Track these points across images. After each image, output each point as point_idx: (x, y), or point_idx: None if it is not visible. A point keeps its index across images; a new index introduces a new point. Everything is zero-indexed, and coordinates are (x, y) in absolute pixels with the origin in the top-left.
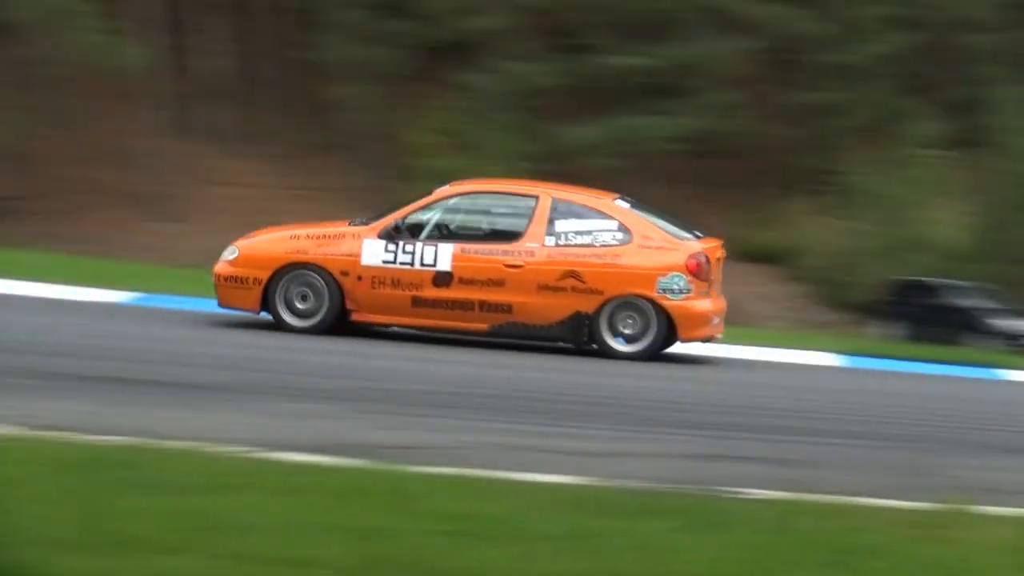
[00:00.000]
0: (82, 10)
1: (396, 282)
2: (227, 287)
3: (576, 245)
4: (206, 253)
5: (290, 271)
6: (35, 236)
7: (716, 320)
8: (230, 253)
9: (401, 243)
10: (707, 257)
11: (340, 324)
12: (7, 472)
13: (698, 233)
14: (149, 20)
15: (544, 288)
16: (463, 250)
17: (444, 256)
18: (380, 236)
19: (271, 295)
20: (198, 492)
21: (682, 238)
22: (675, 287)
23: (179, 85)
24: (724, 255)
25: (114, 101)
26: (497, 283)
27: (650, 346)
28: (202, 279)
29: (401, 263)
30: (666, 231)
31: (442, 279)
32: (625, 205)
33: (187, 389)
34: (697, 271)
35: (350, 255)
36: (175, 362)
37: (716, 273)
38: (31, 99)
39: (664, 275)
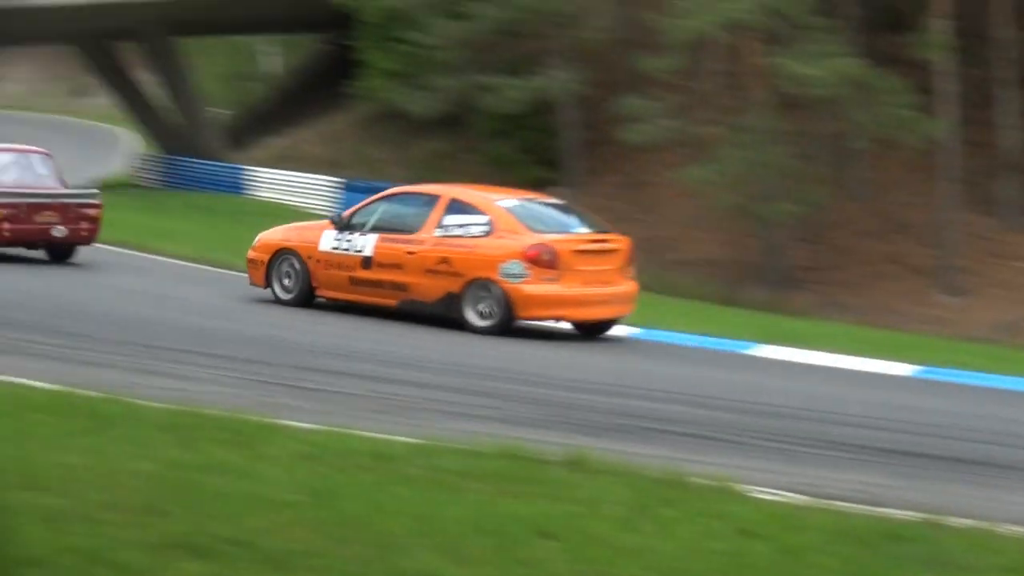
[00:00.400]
0: (883, 85)
1: (340, 264)
2: (249, 268)
3: (453, 236)
4: (993, 328)
5: (281, 255)
6: (824, 306)
7: (622, 303)
8: (255, 240)
9: (346, 233)
10: (551, 248)
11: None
12: (789, 540)
13: (595, 228)
14: (947, 94)
15: (428, 271)
16: (383, 239)
17: (369, 244)
18: (334, 227)
19: (270, 274)
20: (979, 573)
21: (548, 232)
22: (513, 271)
23: (972, 159)
24: (614, 248)
25: (905, 173)
26: (399, 267)
27: (498, 323)
28: (990, 353)
29: (343, 250)
30: (528, 226)
31: (367, 263)
32: (510, 203)
33: (974, 465)
34: (536, 259)
35: (313, 243)
36: (957, 436)
37: (579, 263)
38: (825, 171)
39: (505, 261)
